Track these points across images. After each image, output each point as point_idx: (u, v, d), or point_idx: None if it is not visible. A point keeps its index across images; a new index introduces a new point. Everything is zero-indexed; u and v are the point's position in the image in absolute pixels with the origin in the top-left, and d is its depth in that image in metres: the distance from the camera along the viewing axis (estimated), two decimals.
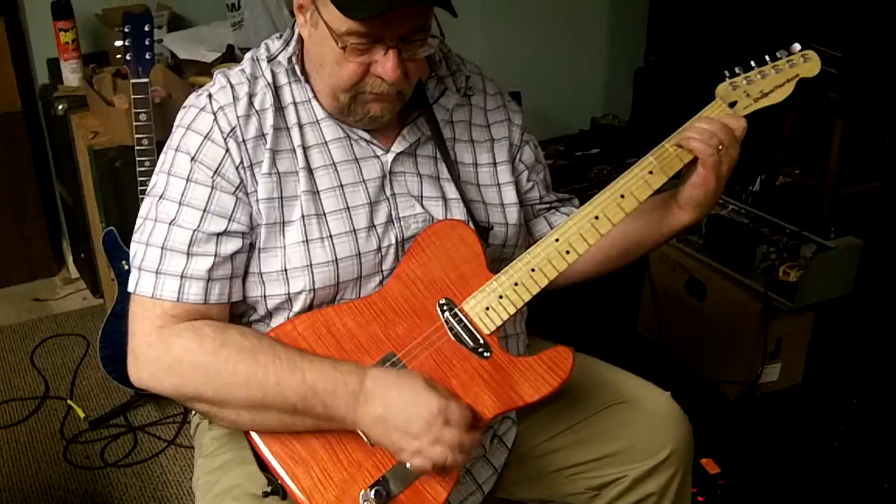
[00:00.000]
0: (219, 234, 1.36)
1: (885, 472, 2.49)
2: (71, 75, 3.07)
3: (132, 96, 2.45)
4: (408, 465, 1.29)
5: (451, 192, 1.50)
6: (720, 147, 1.41)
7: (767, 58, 1.52)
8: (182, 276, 1.34)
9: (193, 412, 1.64)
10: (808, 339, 2.80)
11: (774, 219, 2.73)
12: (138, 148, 2.46)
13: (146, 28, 2.45)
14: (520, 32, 3.57)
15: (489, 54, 3.49)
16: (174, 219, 1.36)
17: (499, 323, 1.39)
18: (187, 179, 1.37)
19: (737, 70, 1.51)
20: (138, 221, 1.40)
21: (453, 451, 1.27)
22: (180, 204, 1.36)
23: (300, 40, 1.43)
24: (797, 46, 1.51)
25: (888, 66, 2.91)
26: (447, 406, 1.27)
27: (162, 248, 1.35)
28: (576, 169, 3.09)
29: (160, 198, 1.38)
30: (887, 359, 2.96)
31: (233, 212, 1.37)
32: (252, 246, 1.40)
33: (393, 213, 1.45)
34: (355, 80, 1.34)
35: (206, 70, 2.96)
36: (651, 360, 2.93)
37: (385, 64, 1.32)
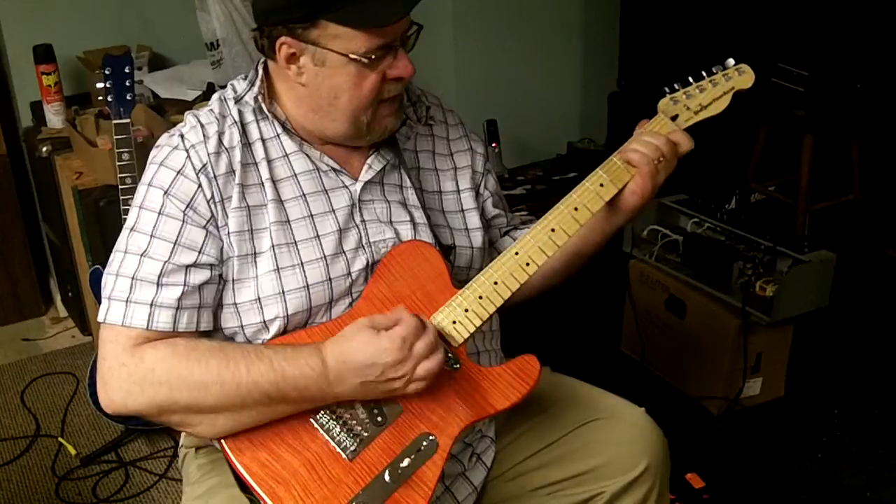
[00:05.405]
0: (188, 266, 1.39)
1: (867, 481, 2.51)
2: (54, 117, 3.09)
3: (114, 137, 2.47)
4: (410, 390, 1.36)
5: (419, 216, 1.54)
6: (661, 158, 1.47)
7: (704, 73, 1.57)
8: (152, 305, 1.37)
9: (181, 444, 1.68)
10: (788, 352, 2.81)
11: (750, 235, 2.73)
12: (122, 187, 2.48)
13: (126, 69, 2.49)
14: (494, 61, 3.60)
15: (465, 84, 3.55)
16: (145, 250, 1.39)
17: (466, 335, 1.43)
18: (159, 213, 1.40)
19: (676, 86, 1.57)
20: (112, 254, 1.43)
21: (433, 357, 1.34)
22: (151, 236, 1.40)
23: (265, 80, 1.49)
24: (731, 61, 1.57)
25: (853, 82, 2.96)
26: (400, 334, 1.32)
27: (132, 279, 1.38)
28: (554, 192, 3.12)
29: (132, 230, 1.41)
30: (866, 369, 2.98)
31: (202, 244, 1.40)
32: (221, 278, 1.43)
33: (363, 238, 1.49)
34: (377, 89, 1.41)
35: (187, 108, 2.94)
36: (635, 378, 2.94)
37: (399, 62, 1.41)
